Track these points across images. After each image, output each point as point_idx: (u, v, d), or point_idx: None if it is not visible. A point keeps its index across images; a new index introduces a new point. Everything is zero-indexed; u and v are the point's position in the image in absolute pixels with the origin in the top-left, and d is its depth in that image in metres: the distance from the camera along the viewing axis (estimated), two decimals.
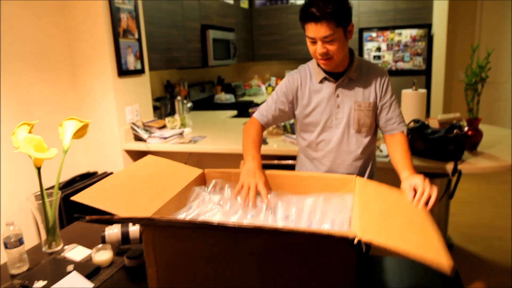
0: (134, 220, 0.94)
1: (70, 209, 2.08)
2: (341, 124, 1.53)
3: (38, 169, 1.30)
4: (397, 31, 4.46)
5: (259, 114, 1.62)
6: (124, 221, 1.25)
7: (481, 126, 2.18)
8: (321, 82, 1.52)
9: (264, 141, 2.45)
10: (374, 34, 4.56)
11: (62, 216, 2.09)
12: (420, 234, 0.89)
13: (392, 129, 1.53)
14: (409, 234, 0.87)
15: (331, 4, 1.31)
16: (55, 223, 1.34)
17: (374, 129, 1.58)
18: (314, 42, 1.39)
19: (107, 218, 0.84)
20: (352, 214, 1.02)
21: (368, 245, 1.48)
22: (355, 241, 0.78)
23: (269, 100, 1.62)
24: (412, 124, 2.09)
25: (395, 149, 1.49)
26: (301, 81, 1.56)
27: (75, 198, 1.04)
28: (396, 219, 0.96)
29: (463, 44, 4.79)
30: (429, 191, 1.14)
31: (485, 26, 4.75)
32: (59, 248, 1.35)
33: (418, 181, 1.18)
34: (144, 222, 0.89)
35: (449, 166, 1.88)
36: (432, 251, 0.81)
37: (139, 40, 2.71)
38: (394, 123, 1.52)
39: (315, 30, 1.35)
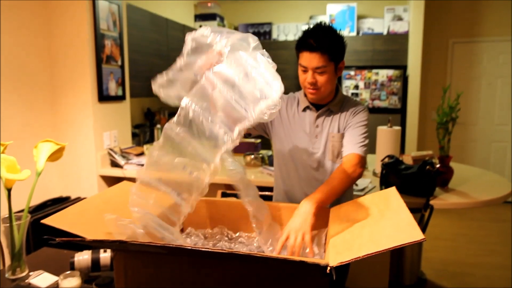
0: (106, 243, 0.92)
1: (39, 234, 2.00)
2: (317, 154, 1.56)
3: (9, 190, 1.26)
4: (374, 70, 4.65)
5: None
6: (95, 244, 1.22)
7: (452, 165, 2.26)
8: (304, 110, 1.57)
9: None
10: (352, 73, 4.73)
11: (30, 241, 2.00)
12: (391, 225, 0.90)
13: (345, 150, 1.48)
14: (380, 234, 0.88)
15: (328, 38, 1.39)
16: (21, 248, 1.28)
17: None
18: (305, 71, 1.44)
19: (78, 241, 0.82)
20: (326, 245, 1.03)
21: (343, 275, 1.48)
22: (328, 270, 0.78)
23: None
24: (386, 160, 2.15)
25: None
26: (287, 103, 1.60)
27: (46, 221, 1.02)
28: (366, 228, 0.97)
29: (435, 86, 5.02)
30: (300, 237, 1.13)
31: (456, 70, 5.02)
32: (23, 274, 1.29)
33: (293, 226, 1.17)
34: (116, 246, 0.88)
35: (422, 201, 1.92)
36: (403, 235, 0.82)
37: (122, 67, 2.73)
38: (348, 143, 1.48)
39: (309, 59, 1.40)
